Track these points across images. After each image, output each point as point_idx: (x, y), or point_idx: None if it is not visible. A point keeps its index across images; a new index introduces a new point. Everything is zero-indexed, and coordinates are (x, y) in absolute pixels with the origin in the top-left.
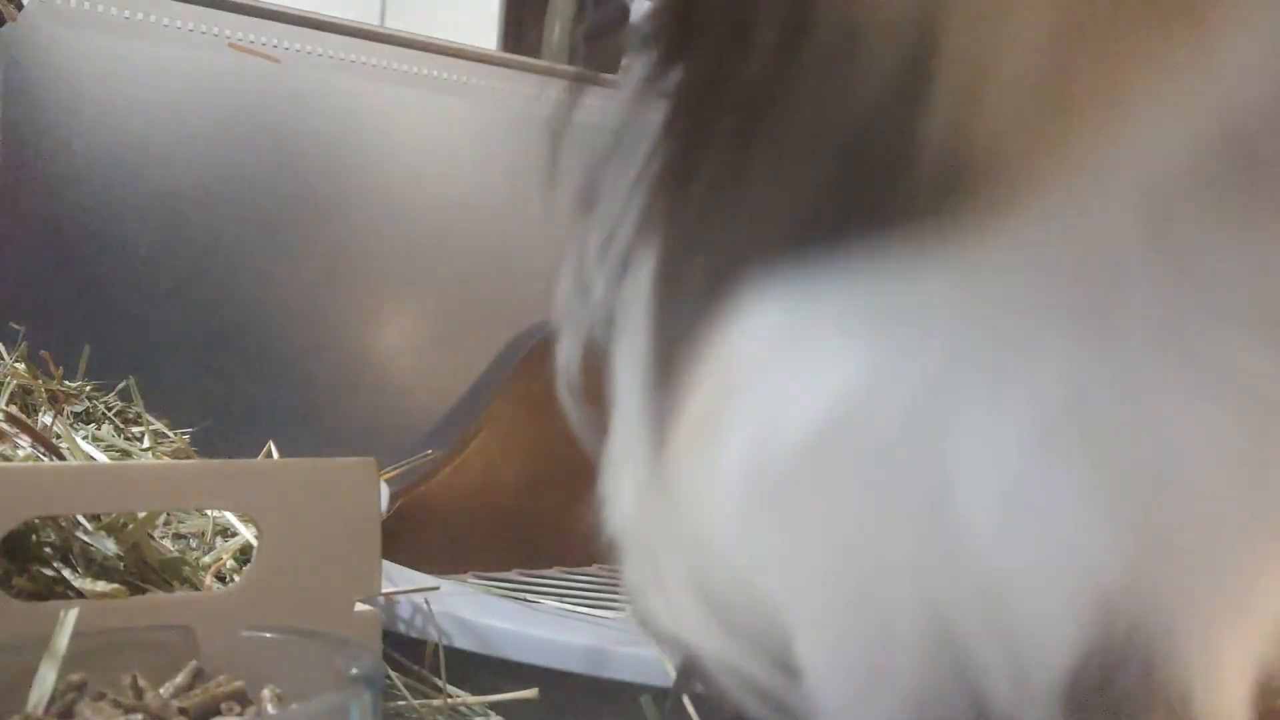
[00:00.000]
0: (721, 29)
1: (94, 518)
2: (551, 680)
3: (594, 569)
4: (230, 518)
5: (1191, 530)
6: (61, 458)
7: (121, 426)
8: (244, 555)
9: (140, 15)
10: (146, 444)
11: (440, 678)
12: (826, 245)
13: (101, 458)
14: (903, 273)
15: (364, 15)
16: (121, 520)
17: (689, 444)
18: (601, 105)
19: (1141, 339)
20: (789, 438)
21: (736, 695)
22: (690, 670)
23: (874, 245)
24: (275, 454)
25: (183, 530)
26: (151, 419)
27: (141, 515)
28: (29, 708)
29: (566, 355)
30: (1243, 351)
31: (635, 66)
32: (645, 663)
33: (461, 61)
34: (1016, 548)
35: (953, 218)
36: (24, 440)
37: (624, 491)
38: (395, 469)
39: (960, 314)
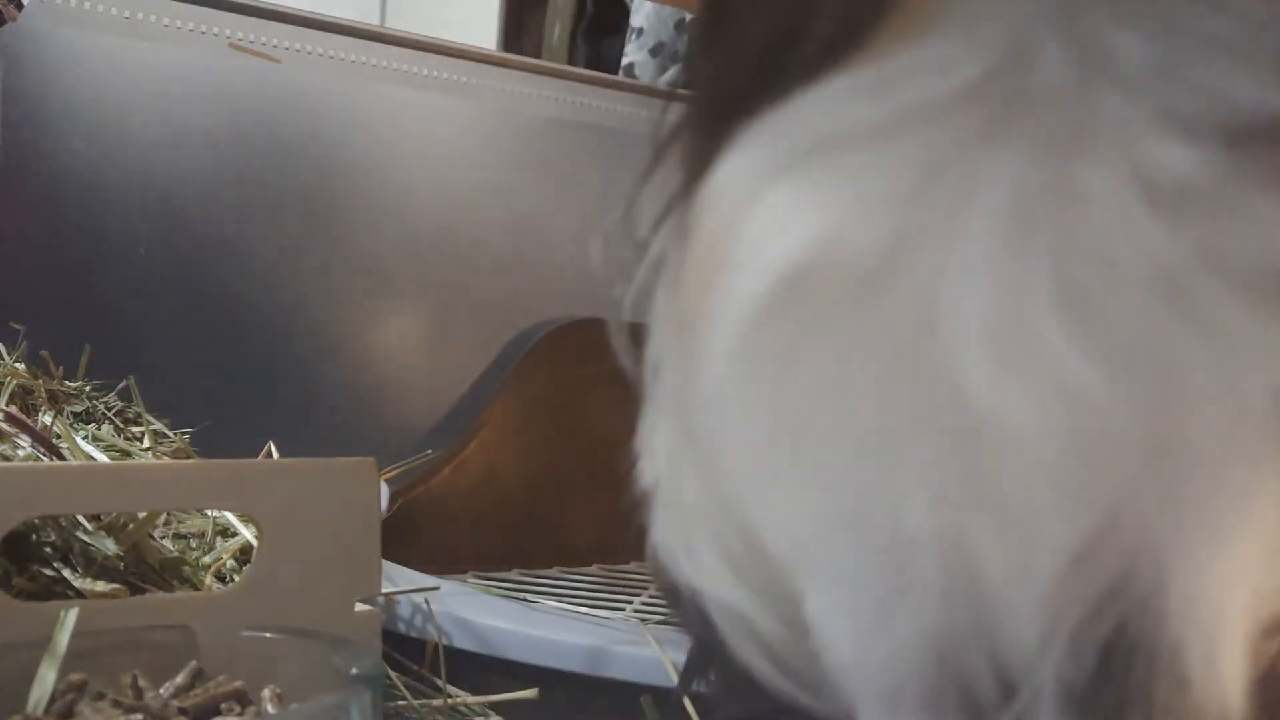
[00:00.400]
0: None
1: (94, 518)
2: (551, 680)
3: (594, 569)
4: (230, 518)
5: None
6: (61, 458)
7: (121, 426)
8: (244, 555)
9: (140, 15)
10: (146, 444)
11: (440, 678)
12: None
13: (101, 458)
14: (832, 106)
15: (364, 15)
16: (121, 520)
17: (692, 309)
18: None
19: (1059, 120)
20: (768, 273)
21: (750, 657)
22: (699, 658)
23: (814, 89)
24: (275, 454)
25: (183, 530)
26: (151, 419)
27: (141, 515)
28: (29, 708)
29: (620, 309)
30: (1145, 134)
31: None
32: (645, 663)
33: (461, 61)
34: (1007, 375)
35: (883, 33)
36: (24, 440)
37: (658, 445)
38: (395, 469)
39: (905, 138)
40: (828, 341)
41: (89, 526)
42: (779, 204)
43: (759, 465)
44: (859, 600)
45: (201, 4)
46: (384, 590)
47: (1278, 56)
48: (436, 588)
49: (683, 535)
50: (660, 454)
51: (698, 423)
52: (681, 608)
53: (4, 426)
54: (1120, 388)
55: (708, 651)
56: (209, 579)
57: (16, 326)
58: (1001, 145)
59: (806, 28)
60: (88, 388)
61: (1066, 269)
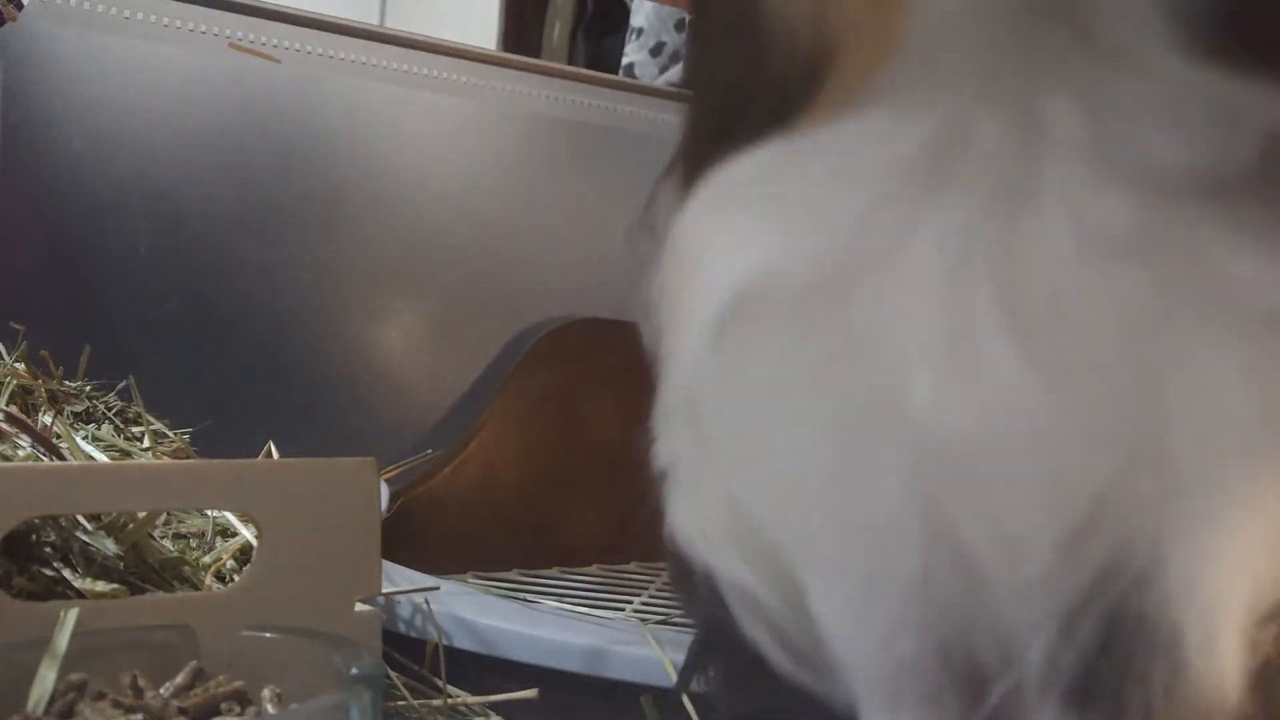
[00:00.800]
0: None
1: (94, 518)
2: (551, 680)
3: (594, 569)
4: (230, 518)
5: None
6: (61, 458)
7: (121, 426)
8: (244, 555)
9: (140, 15)
10: (146, 444)
11: (440, 678)
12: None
13: (101, 458)
14: (787, 159)
15: (364, 15)
16: (121, 520)
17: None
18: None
19: (1000, 183)
20: (724, 290)
21: (762, 640)
22: (700, 653)
23: (770, 144)
24: (275, 454)
25: (183, 530)
26: (151, 419)
27: (141, 515)
28: (29, 708)
29: (646, 292)
30: (1086, 191)
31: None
32: (645, 663)
33: (461, 61)
34: (949, 387)
35: (817, 107)
36: (24, 440)
37: (671, 425)
38: (395, 469)
39: (845, 187)
40: (778, 349)
41: (89, 526)
42: (729, 238)
43: (739, 456)
44: (847, 588)
45: (201, 4)
46: (384, 590)
47: (1198, 119)
48: (436, 588)
49: (698, 518)
50: (674, 441)
51: (694, 417)
52: (692, 590)
53: (4, 426)
54: (1073, 395)
55: (718, 633)
56: (209, 579)
57: (16, 326)
58: (942, 197)
59: (753, 93)
60: (88, 388)
61: (1008, 295)
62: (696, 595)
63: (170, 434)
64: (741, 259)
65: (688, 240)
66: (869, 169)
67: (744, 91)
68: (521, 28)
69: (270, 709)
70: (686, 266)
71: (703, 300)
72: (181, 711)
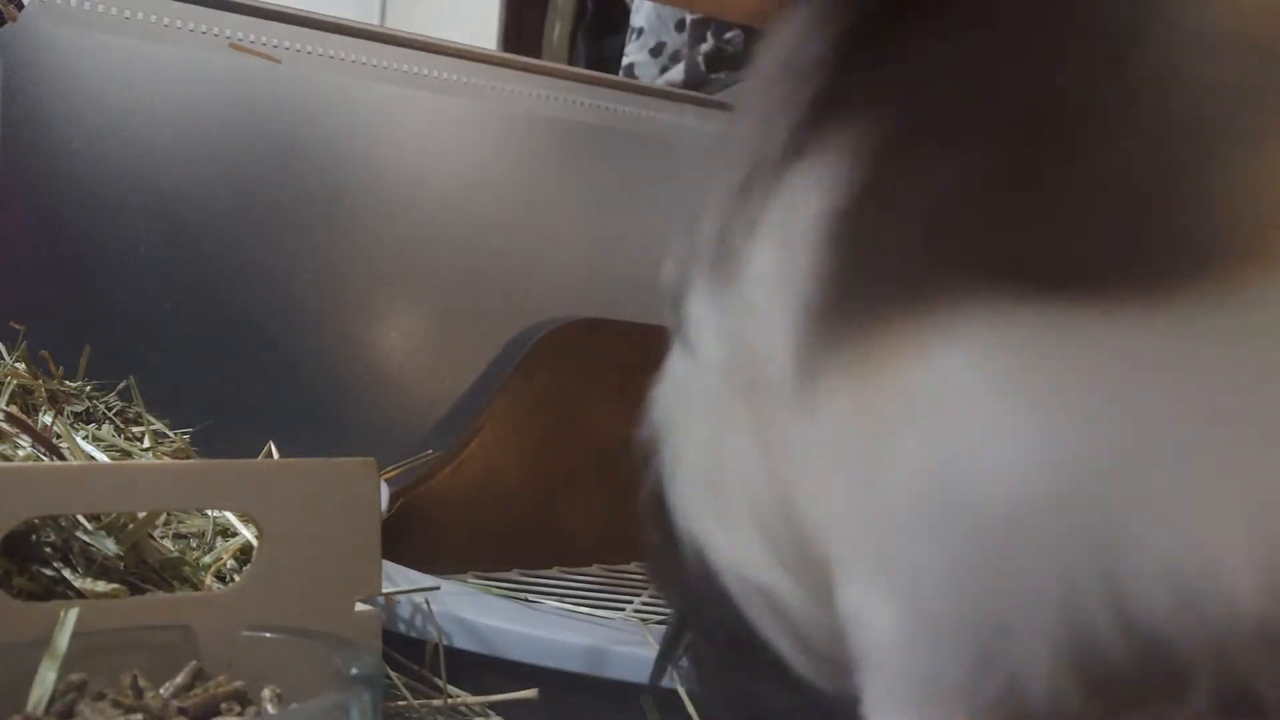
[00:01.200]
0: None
1: (94, 518)
2: (551, 680)
3: (594, 569)
4: (230, 518)
5: None
6: (61, 458)
7: (121, 426)
8: (244, 555)
9: (140, 15)
10: (146, 444)
11: (440, 678)
12: (1079, 288)
13: (101, 458)
14: (1132, 338)
15: (364, 15)
16: (121, 520)
17: (851, 424)
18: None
19: None
20: (974, 490)
21: (774, 635)
22: (679, 632)
23: (1113, 302)
24: (275, 454)
25: (183, 530)
26: (151, 419)
27: (141, 515)
28: (29, 708)
29: (673, 268)
30: None
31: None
32: (645, 663)
33: (462, 61)
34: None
35: (1200, 288)
36: (24, 440)
37: (694, 424)
38: (395, 469)
39: (1179, 392)
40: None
41: (89, 526)
42: (1013, 421)
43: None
44: (929, 597)
45: (201, 4)
46: (384, 590)
47: None
48: (436, 588)
49: (716, 509)
50: (695, 433)
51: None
52: (673, 577)
53: (4, 426)
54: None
55: (694, 618)
56: (209, 579)
57: (16, 326)
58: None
59: (1095, 239)
60: (88, 388)
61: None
62: (678, 582)
63: (170, 434)
64: (1023, 456)
65: (931, 381)
66: (1226, 381)
67: (1077, 233)
68: (521, 28)
69: (270, 709)
70: (916, 400)
71: (944, 479)
72: (181, 711)
